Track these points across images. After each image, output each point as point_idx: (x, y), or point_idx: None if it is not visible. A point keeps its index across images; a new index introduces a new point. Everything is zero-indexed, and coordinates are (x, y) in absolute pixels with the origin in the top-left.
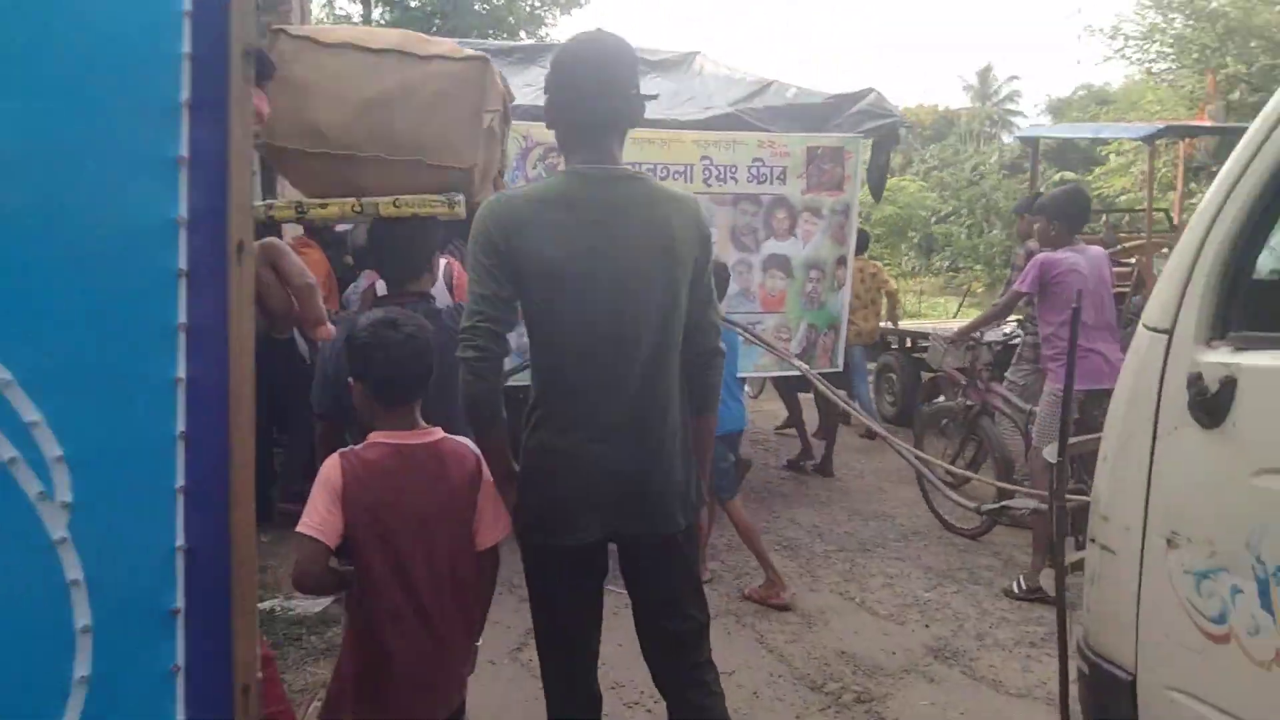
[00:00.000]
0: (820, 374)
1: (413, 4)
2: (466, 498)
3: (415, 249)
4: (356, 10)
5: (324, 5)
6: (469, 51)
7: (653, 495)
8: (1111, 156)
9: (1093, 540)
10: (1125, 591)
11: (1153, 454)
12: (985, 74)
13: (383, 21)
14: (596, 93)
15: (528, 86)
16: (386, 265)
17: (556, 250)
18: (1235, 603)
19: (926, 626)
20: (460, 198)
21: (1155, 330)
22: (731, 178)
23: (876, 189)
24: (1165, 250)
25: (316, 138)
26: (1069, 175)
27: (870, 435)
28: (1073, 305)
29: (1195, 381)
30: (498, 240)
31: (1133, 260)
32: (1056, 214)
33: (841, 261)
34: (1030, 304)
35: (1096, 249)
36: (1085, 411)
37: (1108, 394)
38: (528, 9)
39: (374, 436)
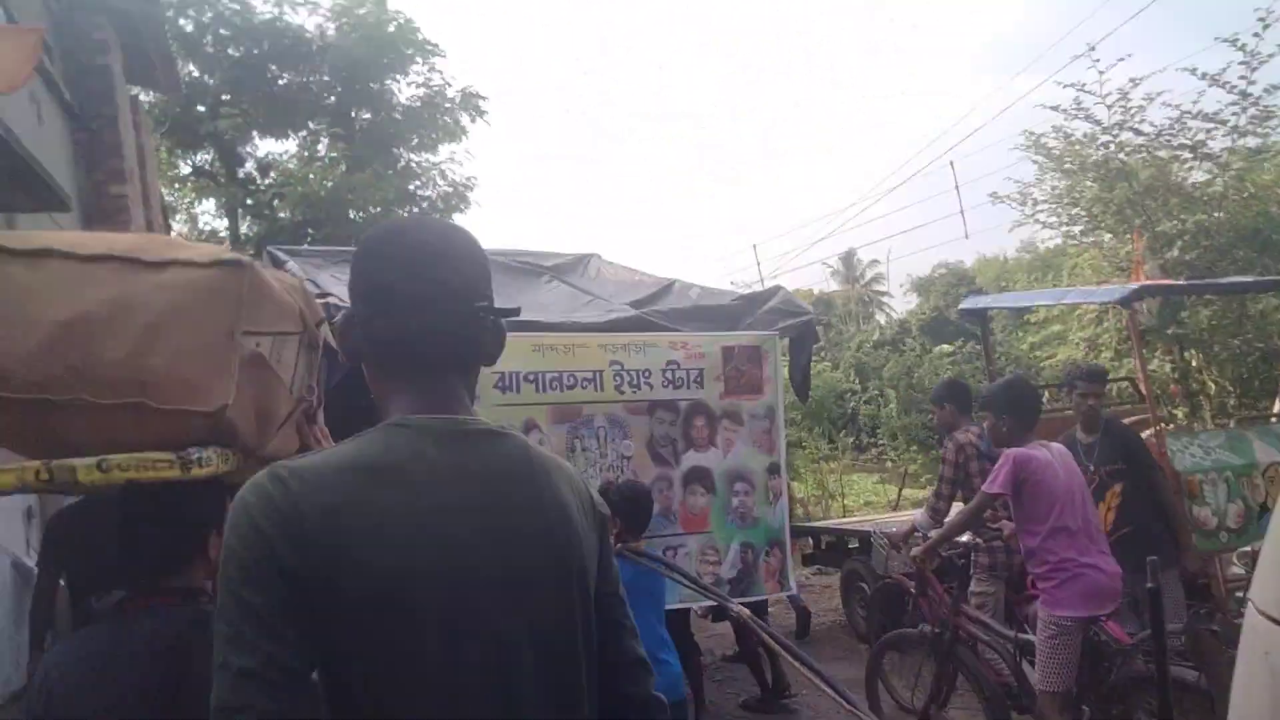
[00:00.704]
0: (765, 600)
1: (281, 215)
2: None
3: (169, 525)
4: (222, 225)
5: (185, 221)
6: (226, 254)
7: None
8: (1030, 328)
9: None
10: None
11: None
12: (849, 258)
13: (248, 234)
14: (431, 308)
15: None
16: (127, 554)
17: (397, 559)
18: None
19: None
20: (204, 454)
21: None
22: (645, 383)
23: (801, 389)
24: (1170, 425)
25: None
26: (945, 347)
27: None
28: (1053, 511)
29: None
30: (283, 552)
31: None
32: (1005, 409)
33: (774, 470)
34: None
35: (1059, 446)
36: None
37: (1113, 616)
38: (407, 214)
39: None
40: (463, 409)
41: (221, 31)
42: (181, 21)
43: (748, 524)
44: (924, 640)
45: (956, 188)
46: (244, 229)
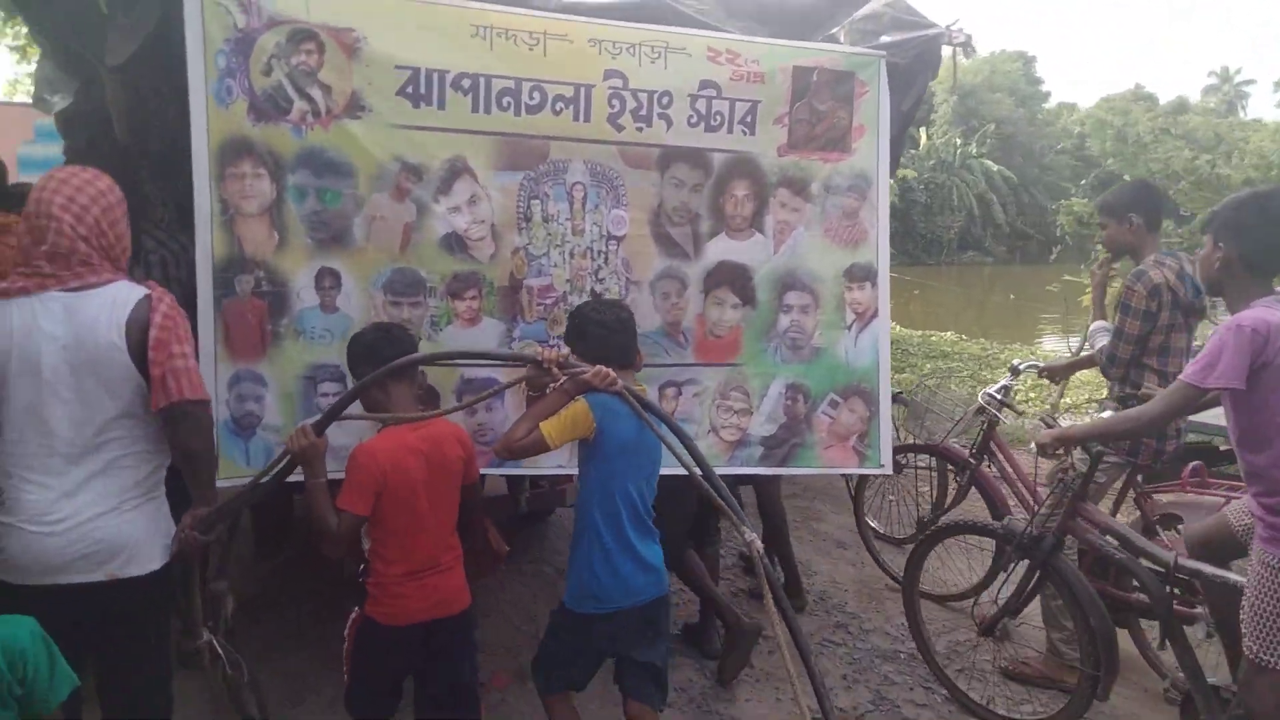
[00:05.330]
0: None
1: None
2: None
3: None
4: None
5: None
6: None
7: None
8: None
9: None
10: None
11: None
12: None
13: None
14: None
15: None
16: None
17: None
18: None
19: None
20: None
21: None
22: (661, 114)
23: (893, 154)
24: None
25: None
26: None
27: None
28: None
29: None
30: None
31: None
32: (1242, 235)
33: (860, 276)
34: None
35: None
36: None
37: None
38: None
39: None
40: None
41: None
42: None
43: (800, 356)
44: (1011, 538)
45: None
46: None
